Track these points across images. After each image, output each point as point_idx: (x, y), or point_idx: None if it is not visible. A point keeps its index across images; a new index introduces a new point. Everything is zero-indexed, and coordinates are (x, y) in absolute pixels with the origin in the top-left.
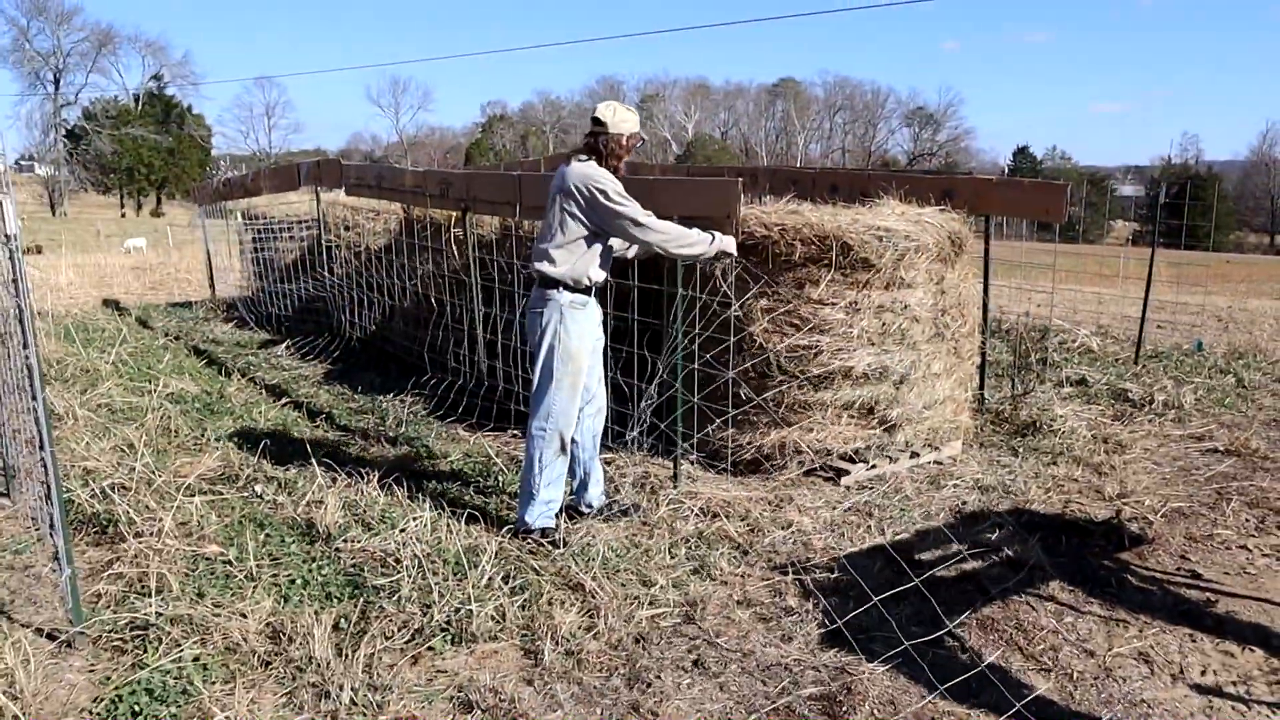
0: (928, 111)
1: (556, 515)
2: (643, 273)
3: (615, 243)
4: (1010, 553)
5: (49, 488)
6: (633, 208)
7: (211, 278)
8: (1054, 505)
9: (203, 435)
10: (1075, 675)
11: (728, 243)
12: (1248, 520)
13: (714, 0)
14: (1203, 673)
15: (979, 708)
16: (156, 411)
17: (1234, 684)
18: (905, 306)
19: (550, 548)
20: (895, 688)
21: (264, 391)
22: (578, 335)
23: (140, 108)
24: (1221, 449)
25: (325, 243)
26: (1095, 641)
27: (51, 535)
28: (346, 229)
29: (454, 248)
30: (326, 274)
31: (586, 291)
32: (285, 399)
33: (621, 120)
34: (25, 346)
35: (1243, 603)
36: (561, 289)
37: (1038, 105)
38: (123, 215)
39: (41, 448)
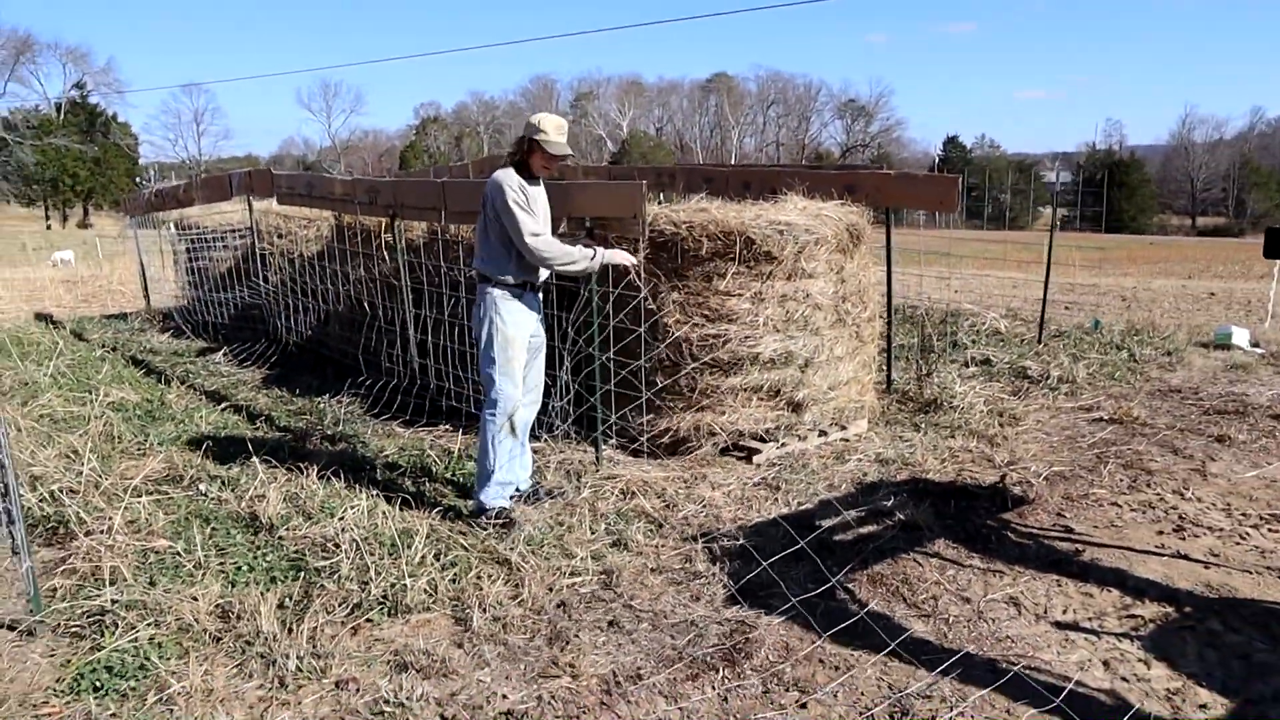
0: (859, 104)
1: (512, 496)
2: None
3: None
4: (903, 517)
5: (5, 485)
6: (520, 219)
7: (146, 288)
8: (947, 474)
9: (146, 440)
10: (951, 619)
11: (615, 256)
12: (1121, 480)
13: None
14: (1064, 612)
15: (862, 648)
16: (99, 419)
17: (1089, 620)
18: (807, 295)
19: (503, 528)
20: (790, 636)
21: (204, 397)
22: (513, 323)
23: (63, 117)
24: (1106, 418)
25: (260, 251)
26: (972, 590)
27: (10, 530)
28: (280, 237)
29: (384, 253)
30: (262, 282)
31: (520, 287)
32: (225, 403)
33: (544, 129)
34: None
35: (1107, 551)
36: (493, 284)
37: (966, 95)
38: (48, 227)
39: None
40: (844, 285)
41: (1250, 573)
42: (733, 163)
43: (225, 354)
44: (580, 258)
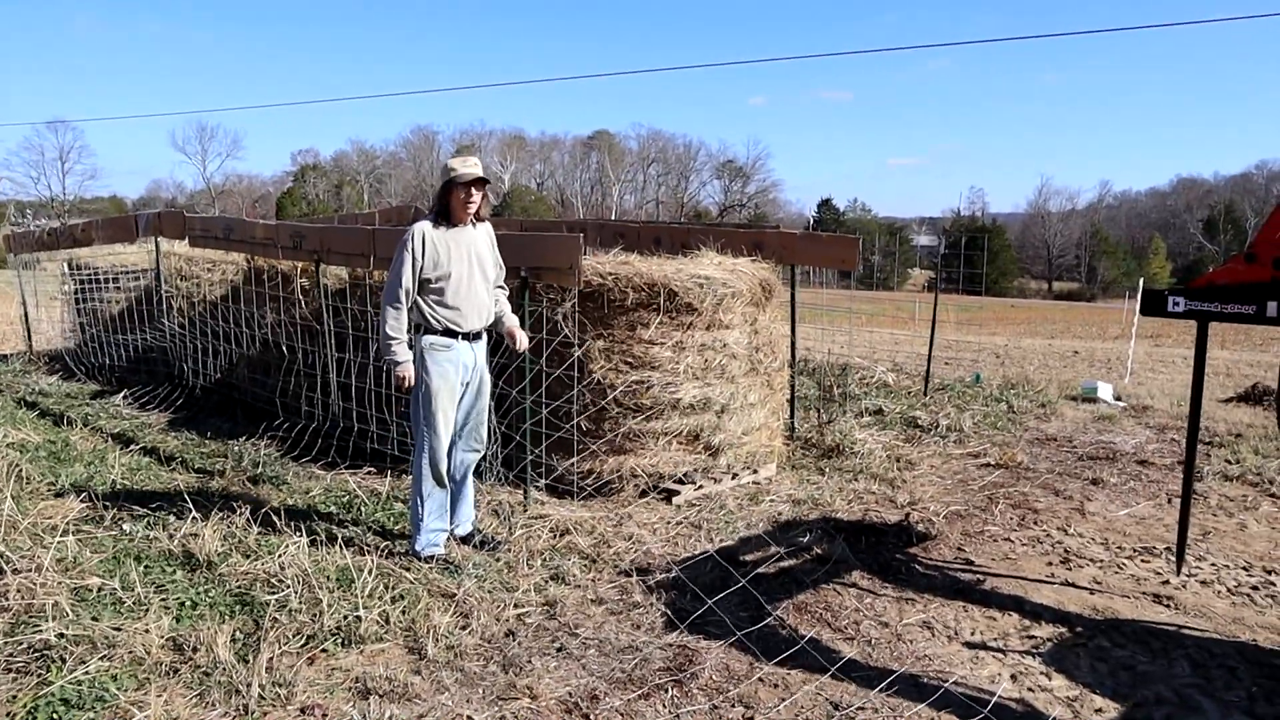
0: (737, 165)
1: (445, 543)
2: None
3: (450, 287)
4: (820, 551)
5: None
6: (394, 271)
7: (28, 329)
8: (855, 513)
9: (56, 481)
10: (873, 641)
11: (405, 370)
12: (1011, 518)
13: (530, 53)
14: (972, 633)
15: (797, 668)
16: (1, 460)
17: (995, 639)
18: (724, 345)
19: (445, 567)
20: (729, 659)
21: (110, 439)
22: (438, 374)
23: None
24: (993, 463)
25: (165, 293)
26: (889, 615)
27: None
28: (183, 279)
29: (302, 296)
30: (167, 323)
31: (449, 334)
32: (134, 445)
33: (450, 167)
34: None
35: (1005, 580)
36: (423, 332)
37: (840, 159)
38: None
39: None
40: (757, 336)
41: (1129, 597)
42: (613, 219)
43: (125, 396)
44: (396, 352)
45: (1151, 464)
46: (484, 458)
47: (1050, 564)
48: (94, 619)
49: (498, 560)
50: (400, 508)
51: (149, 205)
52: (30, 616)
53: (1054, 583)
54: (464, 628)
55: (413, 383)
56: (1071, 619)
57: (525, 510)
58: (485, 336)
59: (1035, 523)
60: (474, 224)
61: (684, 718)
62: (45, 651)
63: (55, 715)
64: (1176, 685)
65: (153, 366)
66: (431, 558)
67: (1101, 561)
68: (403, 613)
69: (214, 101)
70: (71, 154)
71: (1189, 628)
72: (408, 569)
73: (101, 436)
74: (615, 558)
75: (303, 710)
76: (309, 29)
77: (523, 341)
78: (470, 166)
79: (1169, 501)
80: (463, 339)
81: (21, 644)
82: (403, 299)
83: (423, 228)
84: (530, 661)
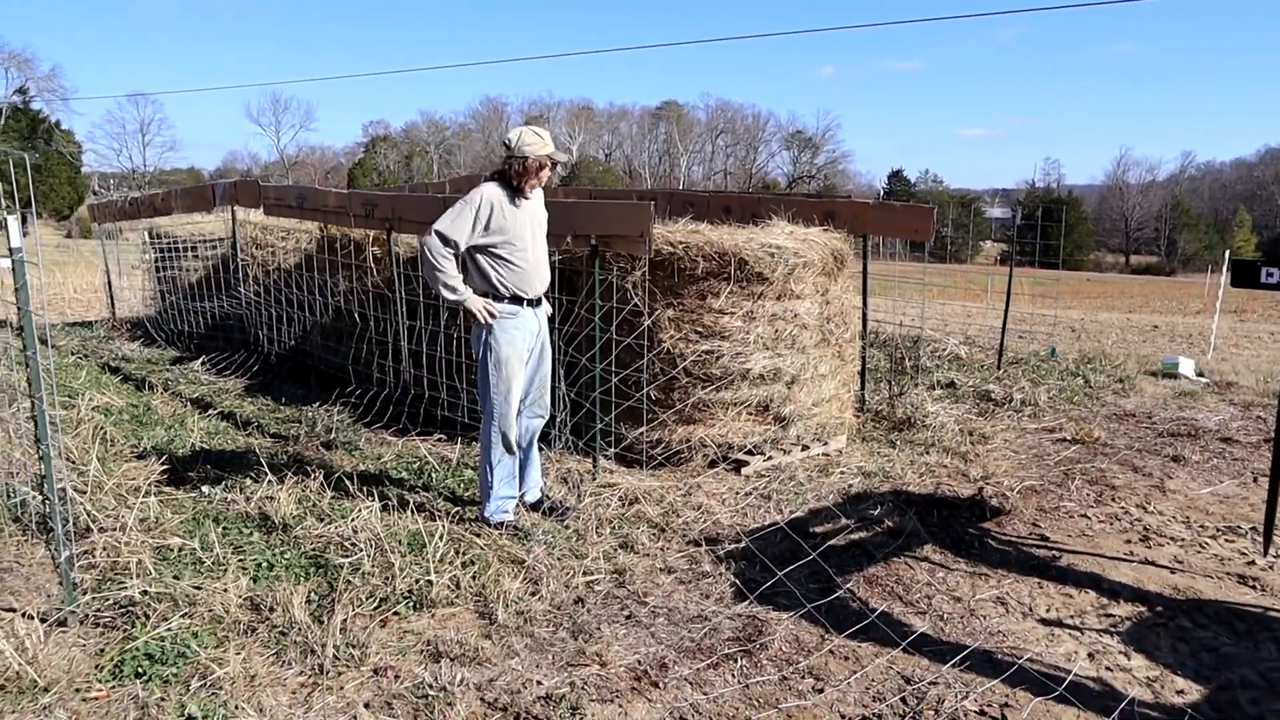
0: (806, 135)
1: (514, 510)
2: (563, 285)
3: (518, 253)
4: (890, 524)
5: (45, 480)
6: (441, 218)
7: (111, 297)
8: (927, 486)
9: (139, 444)
10: (945, 615)
11: (474, 303)
12: (1088, 494)
13: (598, 24)
14: (1047, 610)
15: (867, 641)
16: (88, 423)
17: (1071, 617)
18: (795, 315)
19: (515, 533)
20: (799, 630)
21: (189, 404)
22: (506, 343)
23: (3, 122)
24: (1069, 438)
25: (241, 261)
26: (962, 590)
27: (49, 522)
28: (258, 248)
29: (374, 264)
30: (242, 291)
31: (515, 302)
32: (212, 410)
33: (526, 144)
34: (26, 351)
35: (1081, 557)
36: (490, 300)
37: (910, 129)
38: None
39: (39, 443)
40: (828, 307)
41: (1212, 577)
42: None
43: (203, 362)
44: (446, 281)
45: (1236, 441)
46: (553, 425)
47: (1129, 541)
48: (175, 578)
49: (567, 528)
50: (470, 474)
51: (225, 176)
52: (116, 574)
53: (1133, 561)
54: (533, 594)
55: (494, 310)
56: (1151, 598)
57: (594, 479)
58: (545, 302)
59: (1113, 499)
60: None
61: (753, 688)
62: (130, 608)
63: (140, 669)
64: (1263, 669)
65: (229, 333)
66: (501, 524)
67: (1183, 540)
68: (473, 578)
69: (288, 73)
70: (151, 126)
71: (1276, 610)
72: (478, 535)
73: (181, 401)
74: (684, 527)
75: (376, 671)
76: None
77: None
78: (551, 144)
79: (1255, 480)
80: (528, 305)
81: (108, 600)
82: (451, 244)
83: (490, 191)
84: (599, 628)
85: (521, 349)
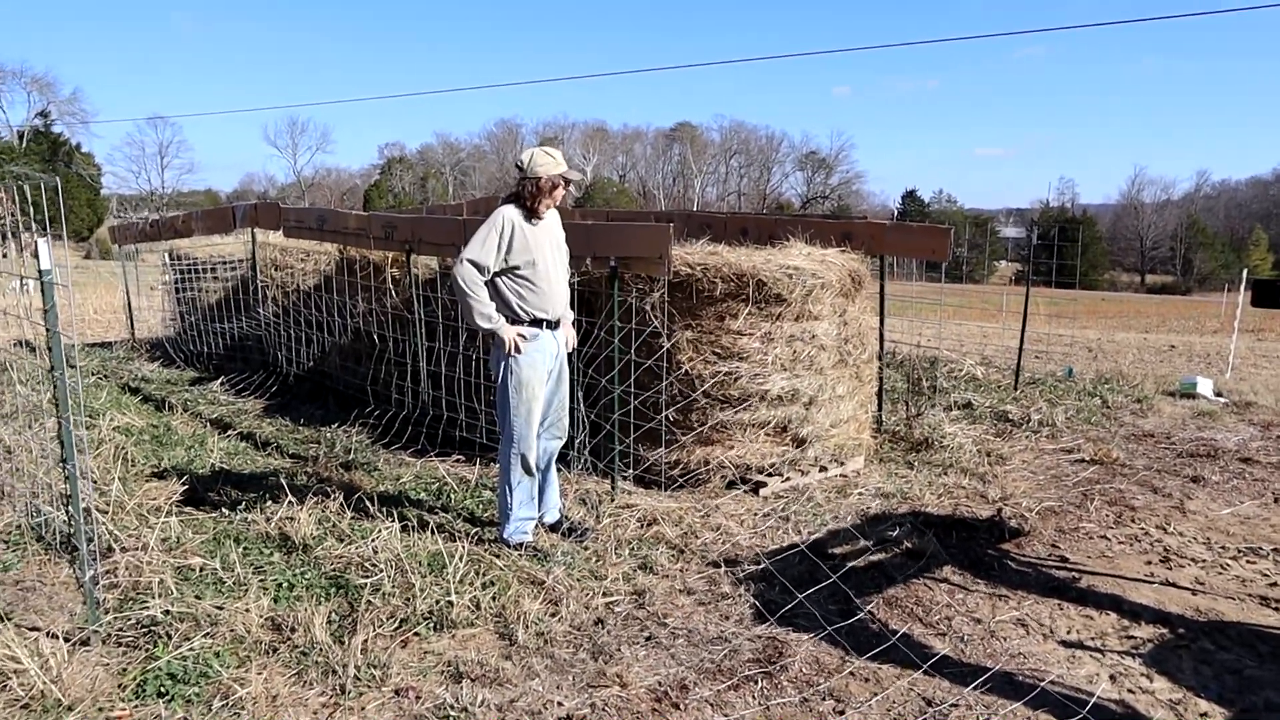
0: (820, 156)
1: (534, 531)
2: (582, 307)
3: (538, 275)
4: (909, 545)
5: (70, 499)
6: (473, 239)
7: (131, 318)
8: (946, 507)
9: (160, 464)
10: (966, 637)
11: (505, 331)
12: (1107, 515)
13: (612, 46)
14: (1068, 631)
15: (888, 663)
16: (109, 443)
17: (1092, 639)
18: (813, 336)
19: (534, 554)
20: (819, 652)
21: (208, 425)
22: (527, 365)
23: (25, 145)
24: (1087, 459)
25: (260, 282)
26: (982, 612)
27: (73, 541)
28: (277, 269)
29: (393, 286)
30: (261, 312)
31: (535, 325)
32: (231, 430)
33: (539, 164)
34: (53, 371)
35: (1101, 579)
36: (510, 323)
37: (925, 150)
38: (3, 255)
39: (65, 462)
40: (846, 328)
41: (1234, 599)
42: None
43: (222, 383)
44: (480, 310)
45: (1256, 462)
46: (572, 447)
47: (1149, 563)
48: (197, 597)
49: (586, 549)
50: (488, 495)
51: (242, 198)
52: (138, 593)
53: (1153, 582)
54: (553, 615)
55: (527, 337)
56: (1173, 620)
57: (613, 500)
58: (571, 328)
59: (1132, 520)
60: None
61: (774, 709)
62: (152, 627)
63: (163, 689)
64: None
65: (248, 354)
66: (520, 545)
67: (1204, 561)
68: (493, 599)
69: (305, 96)
70: (170, 149)
71: None
72: (497, 556)
73: (200, 421)
74: (703, 548)
75: (397, 692)
76: (396, 24)
77: (572, 342)
78: (564, 164)
79: (1275, 501)
80: (547, 327)
81: (130, 619)
82: (480, 257)
83: (512, 214)
84: (619, 650)
85: (542, 371)
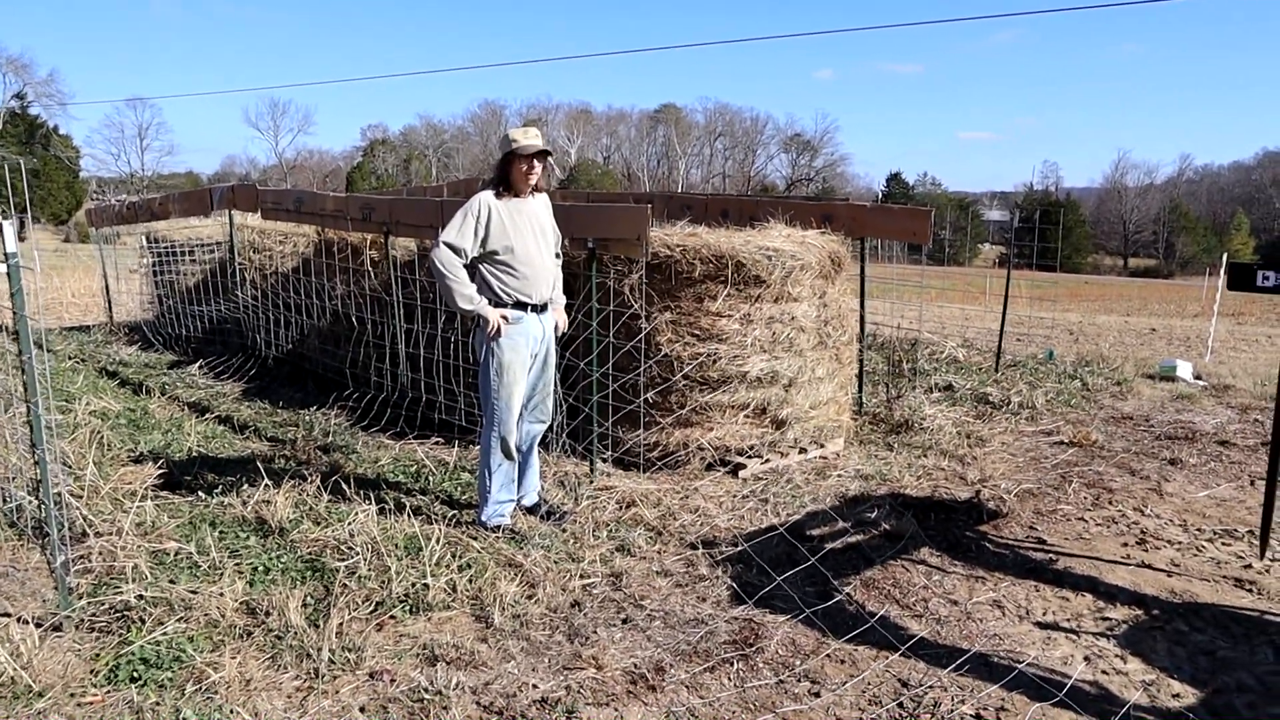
0: (804, 138)
1: (511, 514)
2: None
3: (518, 259)
4: (888, 527)
5: (39, 485)
6: (451, 222)
7: (109, 301)
8: (924, 489)
9: (136, 448)
10: (942, 619)
11: (488, 312)
12: (1085, 497)
13: (596, 27)
14: (1044, 613)
15: (864, 644)
16: (85, 428)
17: (1068, 620)
18: (792, 318)
19: (512, 537)
20: (796, 634)
21: (186, 408)
22: (510, 348)
23: (1, 127)
24: (1066, 441)
25: (238, 265)
26: (959, 594)
27: (44, 526)
28: (255, 252)
29: (371, 268)
30: (240, 295)
31: (518, 308)
32: (209, 414)
33: (512, 140)
34: (21, 356)
35: (1078, 561)
36: (493, 306)
37: (909, 133)
38: None
39: (34, 446)
40: (825, 309)
41: (1208, 581)
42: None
43: (200, 366)
44: (460, 291)
45: (1233, 445)
46: (550, 429)
47: (1126, 545)
48: (171, 582)
49: (563, 531)
50: (467, 478)
51: (223, 180)
52: (111, 578)
53: (1129, 564)
54: (530, 597)
55: (510, 320)
56: (1148, 601)
57: (591, 482)
58: (550, 307)
59: (1110, 502)
60: (533, 194)
61: (750, 691)
62: (125, 612)
63: (136, 674)
64: (1259, 672)
65: (226, 337)
66: (498, 527)
67: (1179, 543)
68: (469, 581)
69: (286, 78)
70: (150, 131)
71: (1272, 613)
72: (474, 538)
73: (178, 405)
74: (681, 530)
75: (372, 675)
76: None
77: (562, 325)
78: (532, 138)
79: (1251, 484)
80: (531, 310)
81: (104, 604)
82: (460, 252)
83: (488, 199)
84: (596, 632)
85: (525, 355)
